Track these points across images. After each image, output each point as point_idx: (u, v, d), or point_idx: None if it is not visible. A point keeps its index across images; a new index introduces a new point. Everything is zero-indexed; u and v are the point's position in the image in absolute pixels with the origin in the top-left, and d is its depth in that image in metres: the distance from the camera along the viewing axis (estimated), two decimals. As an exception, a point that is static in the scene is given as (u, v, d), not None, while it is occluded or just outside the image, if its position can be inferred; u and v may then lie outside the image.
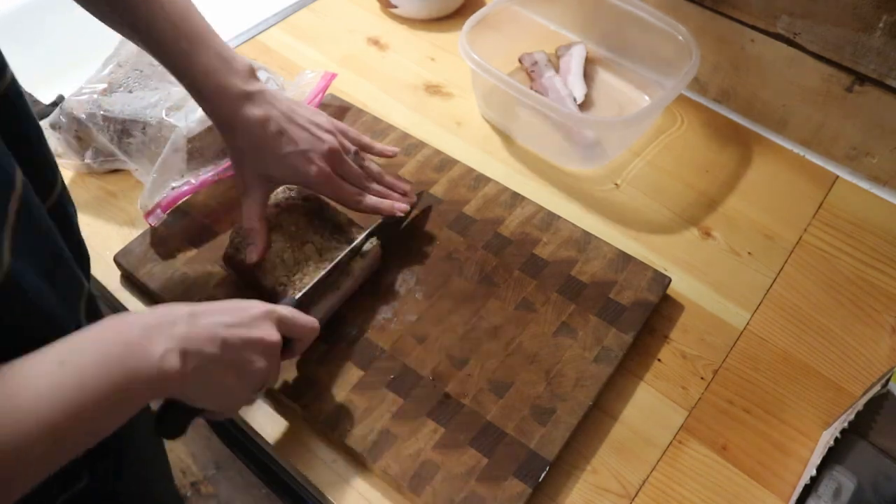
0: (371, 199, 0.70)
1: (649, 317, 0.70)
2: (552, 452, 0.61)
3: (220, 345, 0.48)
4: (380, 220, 0.71)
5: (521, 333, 0.68)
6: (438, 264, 0.73)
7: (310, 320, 0.58)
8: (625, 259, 0.74)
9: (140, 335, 0.44)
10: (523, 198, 0.79)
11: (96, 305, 0.54)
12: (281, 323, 0.54)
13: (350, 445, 0.61)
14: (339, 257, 0.67)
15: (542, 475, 0.59)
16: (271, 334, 0.53)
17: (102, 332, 0.44)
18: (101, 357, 0.42)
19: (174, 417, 0.53)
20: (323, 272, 0.65)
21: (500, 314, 0.69)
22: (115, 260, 0.73)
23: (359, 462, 0.62)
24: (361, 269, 0.69)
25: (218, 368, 0.49)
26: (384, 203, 0.70)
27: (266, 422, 0.65)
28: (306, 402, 0.63)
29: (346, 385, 0.64)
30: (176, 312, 0.48)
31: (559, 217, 0.77)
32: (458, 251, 0.74)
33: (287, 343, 0.56)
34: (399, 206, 0.71)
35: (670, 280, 0.73)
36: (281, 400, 0.65)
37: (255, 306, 0.53)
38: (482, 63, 0.80)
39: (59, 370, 0.39)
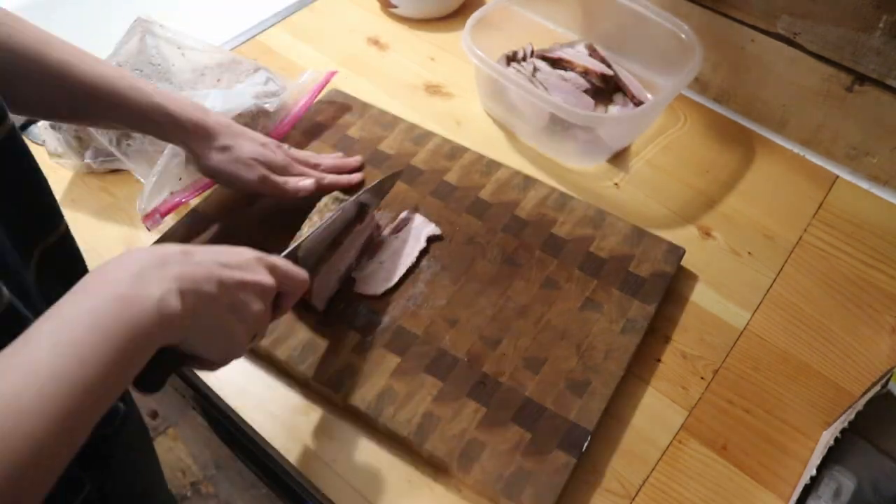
0: (293, 182, 0.73)
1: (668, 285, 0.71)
2: (592, 422, 0.62)
3: (217, 284, 0.46)
4: (370, 185, 0.72)
5: (548, 311, 0.69)
6: (461, 249, 0.74)
7: (300, 272, 0.56)
8: (639, 233, 0.75)
9: (131, 284, 0.41)
10: (535, 180, 0.80)
11: None
12: (273, 270, 0.52)
13: (395, 430, 0.62)
14: (332, 215, 0.67)
15: (585, 445, 0.61)
16: (266, 278, 0.51)
17: (89, 295, 0.40)
18: (95, 322, 0.38)
19: (157, 368, 0.46)
20: (315, 229, 0.64)
21: (526, 293, 0.70)
22: None
23: (402, 447, 0.63)
24: (356, 233, 0.70)
25: (217, 308, 0.46)
26: (305, 182, 0.74)
27: (266, 421, 0.65)
28: (347, 391, 0.64)
29: (384, 372, 0.65)
30: (165, 252, 0.45)
31: (572, 197, 0.79)
32: (478, 235, 0.75)
33: (276, 298, 0.54)
34: (305, 184, 0.74)
35: (684, 251, 0.74)
36: (318, 391, 0.65)
37: (247, 251, 0.51)
38: (485, 58, 0.80)
39: (54, 354, 0.36)
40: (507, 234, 0.75)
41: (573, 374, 0.65)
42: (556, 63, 0.91)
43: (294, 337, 0.67)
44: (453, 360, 0.66)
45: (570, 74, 0.90)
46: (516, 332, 0.68)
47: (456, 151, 0.83)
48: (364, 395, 0.64)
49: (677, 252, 0.74)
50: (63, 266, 0.54)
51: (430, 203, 0.78)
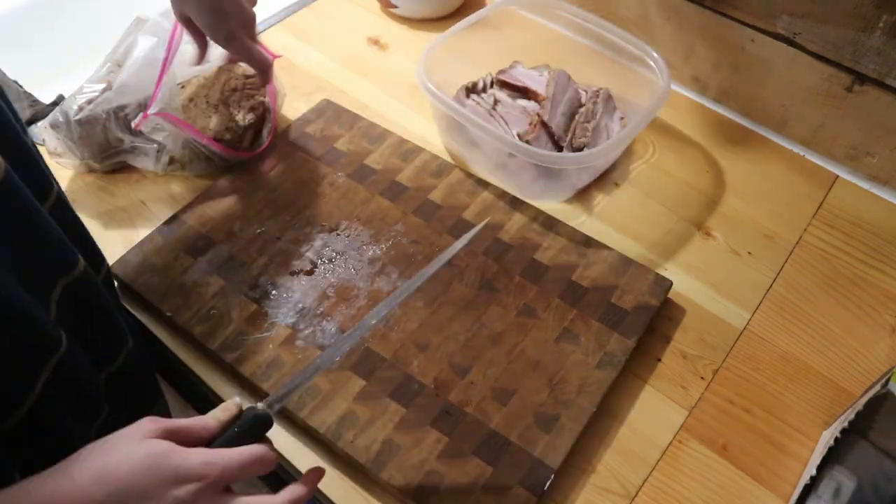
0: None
1: (651, 319, 0.70)
2: (556, 460, 0.60)
3: None
4: None
5: (523, 340, 0.67)
6: (438, 271, 0.71)
7: (246, 456, 0.48)
8: (626, 263, 0.73)
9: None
10: (522, 201, 0.79)
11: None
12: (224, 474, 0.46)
13: (353, 456, 0.60)
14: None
15: (547, 484, 0.59)
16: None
17: (75, 483, 0.41)
18: None
19: None
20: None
21: (501, 321, 0.69)
22: (112, 270, 0.71)
23: (362, 470, 0.62)
24: None
25: None
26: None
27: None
28: (308, 412, 0.62)
29: (348, 395, 0.63)
30: (157, 481, 0.41)
31: (559, 221, 0.77)
32: (458, 257, 0.72)
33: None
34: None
35: (671, 284, 0.72)
36: (282, 411, 0.64)
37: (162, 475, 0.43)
38: (440, 95, 0.77)
39: None
40: (487, 258, 0.73)
41: (543, 407, 0.63)
42: (519, 91, 0.87)
43: (260, 353, 0.66)
44: (419, 387, 0.64)
45: (533, 106, 0.85)
46: (487, 360, 0.66)
47: (443, 168, 0.81)
48: (325, 418, 0.62)
49: (664, 284, 0.72)
50: (83, 303, 0.55)
51: (411, 222, 0.76)
